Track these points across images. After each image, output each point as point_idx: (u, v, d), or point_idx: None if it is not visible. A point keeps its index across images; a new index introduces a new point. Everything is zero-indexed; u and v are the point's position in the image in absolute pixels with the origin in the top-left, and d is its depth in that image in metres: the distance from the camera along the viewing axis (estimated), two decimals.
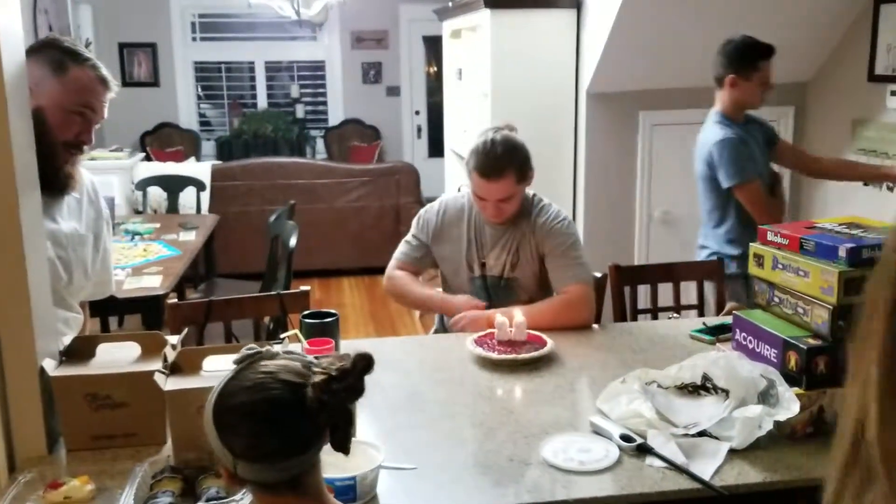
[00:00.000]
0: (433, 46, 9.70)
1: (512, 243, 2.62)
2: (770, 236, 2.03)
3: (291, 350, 1.28)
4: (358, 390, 1.20)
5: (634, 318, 2.92)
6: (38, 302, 1.75)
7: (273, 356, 1.24)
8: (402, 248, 2.78)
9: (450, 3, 5.17)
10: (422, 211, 2.80)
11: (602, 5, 3.91)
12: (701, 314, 3.00)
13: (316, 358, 1.24)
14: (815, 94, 4.28)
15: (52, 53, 1.92)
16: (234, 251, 5.63)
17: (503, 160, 2.50)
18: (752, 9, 3.77)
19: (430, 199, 7.23)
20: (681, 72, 4.08)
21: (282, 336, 2.00)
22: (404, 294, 2.72)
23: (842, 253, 1.82)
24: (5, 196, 1.68)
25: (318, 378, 1.17)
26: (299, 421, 1.17)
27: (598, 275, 2.82)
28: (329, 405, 1.16)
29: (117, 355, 1.85)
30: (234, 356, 1.26)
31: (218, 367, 1.75)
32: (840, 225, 2.02)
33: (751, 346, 2.00)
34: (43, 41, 1.98)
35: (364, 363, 1.20)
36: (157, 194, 6.11)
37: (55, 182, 1.91)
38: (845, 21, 3.94)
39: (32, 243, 1.74)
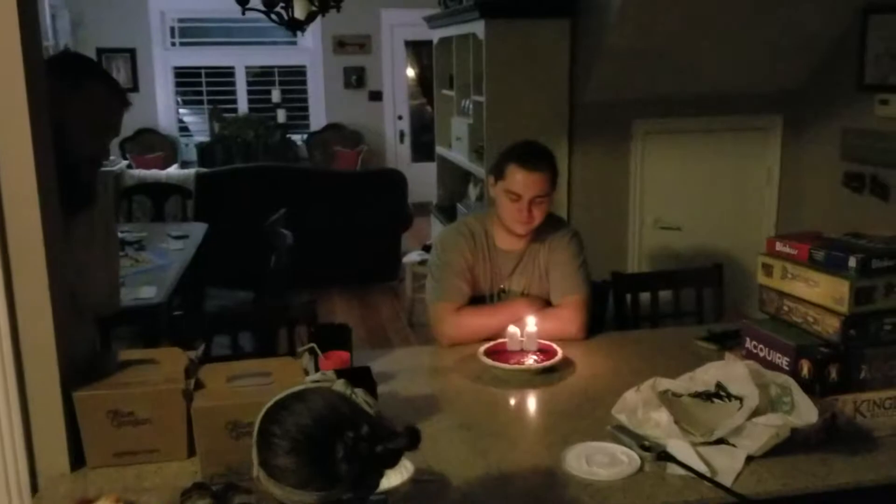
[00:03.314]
0: (416, 51, 9.73)
1: (527, 267, 2.61)
2: (779, 246, 2.07)
3: (359, 389, 1.27)
4: (392, 462, 1.19)
5: (637, 326, 2.95)
6: (60, 319, 1.75)
7: (339, 390, 1.24)
8: (446, 285, 2.55)
9: (438, 11, 5.19)
10: (444, 241, 2.64)
11: (596, 15, 3.95)
12: (700, 321, 3.04)
13: (366, 402, 1.24)
14: (804, 102, 4.35)
15: (69, 68, 1.91)
16: (222, 260, 5.59)
17: (545, 153, 2.56)
18: (743, 18, 3.83)
19: (417, 205, 7.29)
20: (674, 80, 4.14)
21: (299, 350, 2.01)
22: (481, 330, 2.49)
23: (852, 263, 1.86)
24: (28, 213, 1.68)
25: (364, 430, 1.16)
26: (320, 462, 1.15)
27: (598, 281, 2.86)
28: (361, 462, 1.15)
29: (138, 371, 1.84)
30: (308, 378, 1.27)
31: (243, 383, 1.76)
32: (845, 235, 2.06)
33: (762, 355, 2.04)
34: (60, 55, 1.98)
35: (414, 439, 1.20)
36: (141, 203, 6.06)
37: (74, 197, 1.90)
38: (834, 31, 4.01)
39: (54, 260, 1.73)
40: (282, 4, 4.39)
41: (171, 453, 1.79)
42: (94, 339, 2.08)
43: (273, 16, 4.47)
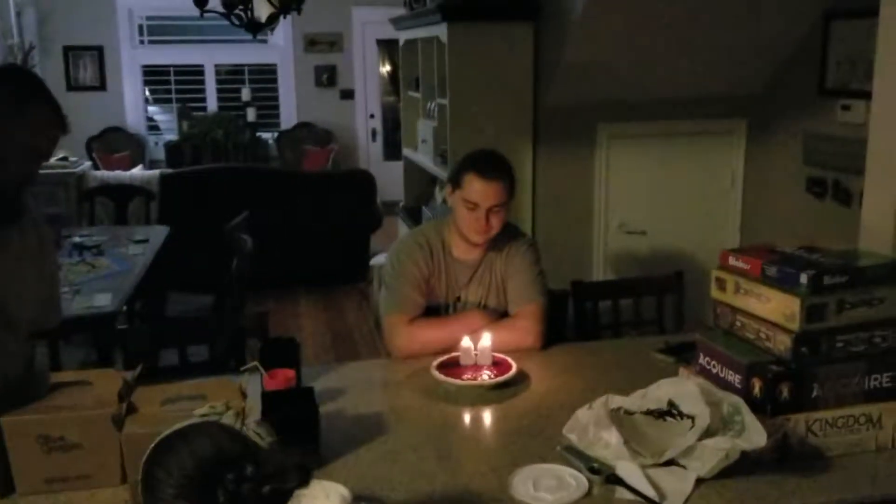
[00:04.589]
0: (387, 49, 9.66)
1: (484, 277, 2.59)
2: (732, 261, 2.04)
3: (254, 422, 1.22)
4: (281, 501, 1.14)
5: (597, 336, 2.92)
6: None
7: (227, 425, 1.19)
8: (400, 296, 2.51)
9: (405, 12, 5.14)
10: (399, 251, 2.60)
11: (558, 19, 3.91)
12: (661, 330, 3.01)
13: (258, 434, 1.19)
14: (767, 107, 4.35)
15: (11, 86, 1.80)
16: (186, 263, 5.51)
17: (502, 162, 2.55)
18: (707, 22, 3.81)
19: (389, 204, 7.23)
20: (638, 84, 4.12)
21: (242, 369, 1.95)
22: (434, 342, 2.45)
23: (803, 280, 1.83)
24: None
25: (249, 470, 1.11)
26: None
27: (557, 289, 2.82)
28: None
29: (70, 394, 1.78)
30: (199, 409, 1.21)
31: (177, 407, 1.70)
32: (799, 249, 2.03)
33: (714, 371, 2.01)
34: (5, 69, 1.88)
35: (304, 477, 1.15)
36: (104, 204, 5.96)
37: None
38: (796, 36, 4.00)
39: None
40: (241, 7, 4.31)
41: (104, 479, 1.73)
42: (26, 356, 2.00)
43: (233, 18, 4.39)
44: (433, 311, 2.58)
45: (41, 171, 1.90)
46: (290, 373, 2.05)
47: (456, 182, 2.52)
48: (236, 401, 1.73)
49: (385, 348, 2.66)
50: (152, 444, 1.18)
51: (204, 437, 1.16)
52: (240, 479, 1.10)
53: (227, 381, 1.83)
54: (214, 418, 1.20)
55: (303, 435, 1.79)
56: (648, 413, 1.93)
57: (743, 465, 1.74)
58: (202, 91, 9.53)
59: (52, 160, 6.47)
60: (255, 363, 1.95)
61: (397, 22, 5.33)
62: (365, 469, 1.82)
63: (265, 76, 9.64)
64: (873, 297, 1.87)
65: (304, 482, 1.15)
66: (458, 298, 2.60)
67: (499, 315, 2.57)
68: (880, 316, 1.87)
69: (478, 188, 2.44)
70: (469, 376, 2.27)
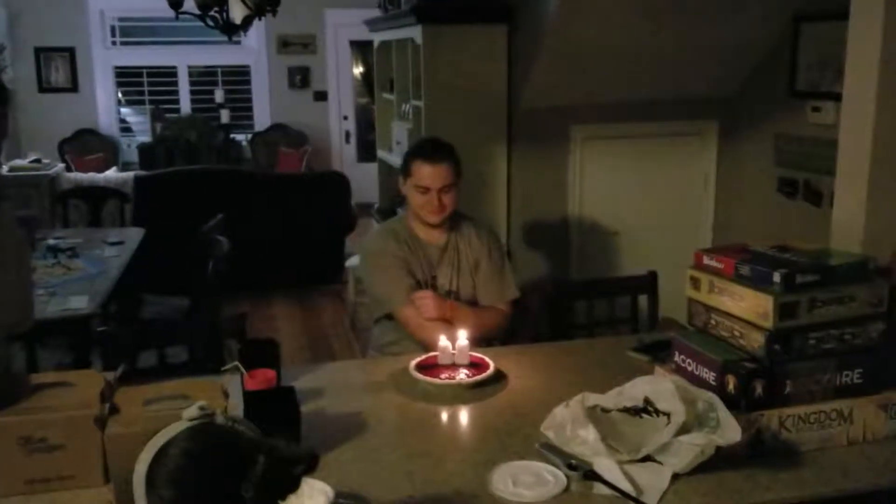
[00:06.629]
0: (361, 51, 9.66)
1: (454, 256, 2.74)
2: (706, 260, 2.07)
3: (240, 419, 1.21)
4: (294, 489, 1.15)
5: (572, 335, 2.96)
6: None
7: (222, 423, 1.19)
8: (397, 291, 2.65)
9: (379, 14, 5.15)
10: (369, 253, 2.80)
11: (532, 21, 3.95)
12: (635, 329, 3.05)
13: (249, 429, 1.19)
14: (738, 108, 4.41)
15: None
16: (160, 265, 5.49)
17: (444, 146, 2.74)
18: (679, 24, 3.86)
19: (364, 206, 7.22)
20: (611, 86, 4.16)
21: (223, 369, 1.96)
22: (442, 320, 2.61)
23: (776, 279, 1.87)
24: None
25: (260, 465, 1.11)
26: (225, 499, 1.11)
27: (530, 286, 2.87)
28: (264, 495, 1.11)
29: (51, 395, 1.78)
30: (187, 411, 1.19)
31: (160, 407, 1.70)
32: (772, 248, 2.07)
33: (689, 369, 2.04)
34: None
35: (312, 465, 1.17)
36: (78, 206, 5.92)
37: None
38: (767, 38, 4.06)
39: None
40: (216, 9, 4.31)
41: (87, 480, 1.73)
42: (4, 358, 2.00)
43: (208, 20, 4.38)
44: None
45: (12, 174, 1.89)
46: (271, 373, 2.06)
47: (406, 172, 2.72)
48: (217, 400, 1.74)
49: (362, 348, 2.70)
50: (148, 459, 1.14)
51: (205, 440, 1.15)
52: (267, 471, 1.10)
53: (208, 382, 1.84)
54: (206, 420, 1.18)
55: (285, 434, 1.79)
56: (625, 410, 1.96)
57: (718, 461, 1.78)
58: (175, 93, 9.47)
59: (25, 162, 6.41)
60: (237, 363, 1.96)
61: (371, 24, 5.34)
62: (346, 467, 1.83)
63: (238, 78, 9.60)
64: (844, 295, 1.91)
65: (311, 469, 1.17)
66: (434, 278, 2.73)
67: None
68: (851, 314, 1.92)
69: (427, 172, 2.64)
70: (447, 376, 2.29)
